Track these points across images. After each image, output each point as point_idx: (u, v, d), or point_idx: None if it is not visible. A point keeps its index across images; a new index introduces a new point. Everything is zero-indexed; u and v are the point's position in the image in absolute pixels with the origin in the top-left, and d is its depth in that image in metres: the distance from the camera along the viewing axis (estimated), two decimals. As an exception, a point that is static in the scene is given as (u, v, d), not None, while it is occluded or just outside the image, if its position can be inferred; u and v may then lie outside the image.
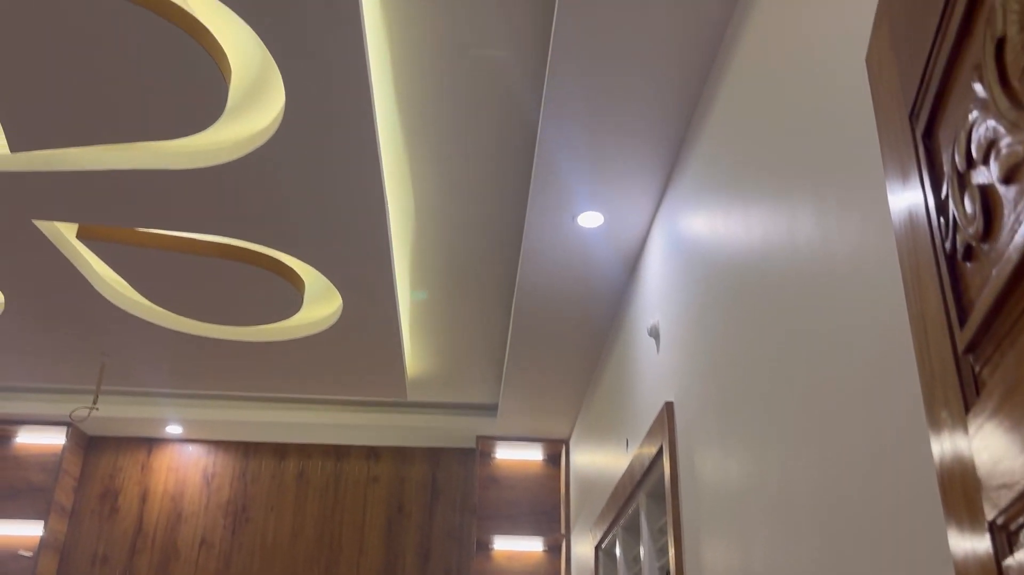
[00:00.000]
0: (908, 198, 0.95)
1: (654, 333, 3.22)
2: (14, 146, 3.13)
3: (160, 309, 4.54)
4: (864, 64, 1.37)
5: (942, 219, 0.85)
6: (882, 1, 1.11)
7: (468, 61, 2.91)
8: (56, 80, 2.82)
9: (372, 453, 6.15)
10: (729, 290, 2.33)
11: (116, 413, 5.65)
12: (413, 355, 5.17)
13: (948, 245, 0.84)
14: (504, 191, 3.64)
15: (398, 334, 4.57)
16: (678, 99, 2.69)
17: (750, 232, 2.17)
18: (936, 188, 0.88)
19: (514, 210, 3.75)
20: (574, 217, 3.37)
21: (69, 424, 5.69)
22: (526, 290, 3.91)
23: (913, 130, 0.94)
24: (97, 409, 5.29)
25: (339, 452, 6.14)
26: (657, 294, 3.25)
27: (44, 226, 3.73)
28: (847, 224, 1.57)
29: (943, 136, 0.86)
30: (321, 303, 4.57)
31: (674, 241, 3.02)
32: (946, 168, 0.85)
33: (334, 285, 4.12)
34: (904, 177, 0.96)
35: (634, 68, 2.57)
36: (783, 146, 1.93)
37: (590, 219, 3.38)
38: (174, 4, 2.64)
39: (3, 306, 4.43)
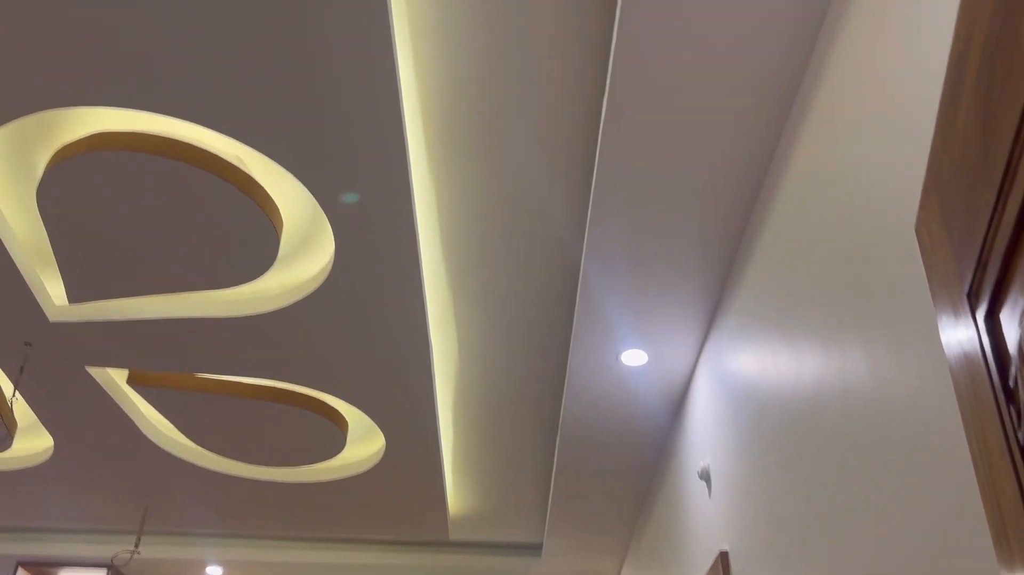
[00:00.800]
0: (971, 376, 0.93)
1: (705, 476, 3.13)
2: (72, 298, 3.24)
3: (205, 451, 4.55)
4: (914, 233, 1.38)
5: (1012, 408, 0.83)
6: (930, 173, 1.13)
7: (513, 206, 2.99)
8: (114, 235, 2.95)
9: (414, 595, 5.96)
10: (783, 432, 2.28)
11: (157, 554, 5.58)
12: (456, 494, 5.08)
13: (1016, 429, 0.82)
14: (547, 330, 3.65)
15: (440, 473, 4.51)
16: (721, 238, 2.71)
17: (800, 374, 2.14)
18: (1003, 373, 0.86)
19: (557, 349, 3.76)
20: (618, 356, 3.36)
21: (109, 566, 5.62)
22: (570, 428, 3.86)
23: (972, 310, 0.93)
24: (139, 552, 5.23)
25: (380, 594, 5.96)
26: (706, 435, 3.18)
27: (96, 372, 3.81)
28: (901, 371, 1.54)
29: (1006, 321, 0.85)
30: (364, 443, 4.55)
31: (721, 380, 2.99)
32: (1013, 354, 0.84)
33: (377, 425, 4.11)
34: (967, 357, 0.95)
35: (675, 208, 2.61)
36: (830, 289, 1.93)
37: (634, 358, 3.37)
38: (230, 163, 2.78)
39: (52, 450, 4.47)
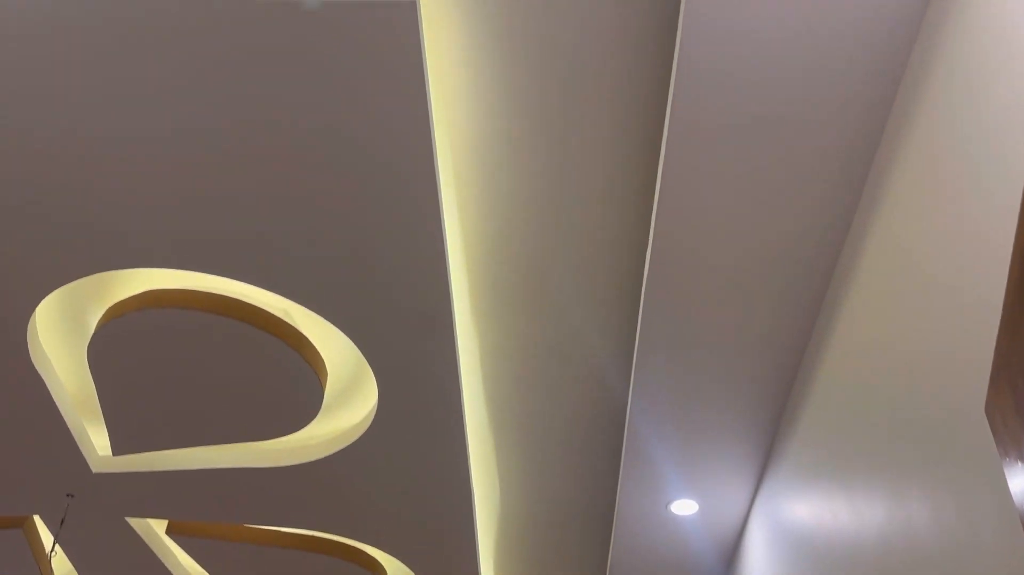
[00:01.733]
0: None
1: (764, 636, 2.95)
2: (117, 450, 3.24)
3: (241, 602, 4.42)
4: (983, 413, 1.33)
5: None
6: (999, 356, 1.10)
7: (557, 353, 2.97)
8: (161, 388, 2.97)
9: None
10: (847, 596, 2.15)
11: None
12: (498, 646, 4.84)
13: None
14: (593, 478, 3.56)
15: (483, 625, 4.31)
16: (772, 386, 2.66)
17: (861, 527, 2.03)
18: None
19: (604, 497, 3.65)
20: (667, 505, 3.24)
21: None
22: (619, 579, 3.70)
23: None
24: None
25: None
26: (763, 590, 3.02)
27: (136, 522, 3.77)
28: (970, 528, 1.45)
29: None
30: (404, 593, 4.39)
31: (775, 530, 2.86)
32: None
33: (418, 576, 3.98)
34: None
35: (723, 353, 2.57)
36: (891, 444, 1.85)
37: (684, 507, 3.25)
38: (277, 318, 2.82)
39: (87, 601, 4.37)
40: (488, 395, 3.17)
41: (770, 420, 2.80)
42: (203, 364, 2.87)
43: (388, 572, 4.17)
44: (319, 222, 2.33)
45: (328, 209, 2.29)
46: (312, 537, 3.91)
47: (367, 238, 2.37)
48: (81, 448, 3.25)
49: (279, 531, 3.91)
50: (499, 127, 2.35)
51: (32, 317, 2.70)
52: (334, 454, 3.21)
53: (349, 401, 3.19)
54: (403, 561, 3.85)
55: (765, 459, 2.98)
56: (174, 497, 3.49)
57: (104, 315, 2.81)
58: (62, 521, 3.48)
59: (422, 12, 2.00)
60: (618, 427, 3.30)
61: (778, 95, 1.88)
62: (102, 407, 3.07)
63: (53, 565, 3.82)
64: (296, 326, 2.86)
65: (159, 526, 3.92)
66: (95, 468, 3.36)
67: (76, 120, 2.11)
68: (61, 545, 3.82)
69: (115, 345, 2.83)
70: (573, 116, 2.30)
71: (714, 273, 2.28)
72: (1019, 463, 1.03)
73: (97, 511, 3.61)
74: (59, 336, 2.94)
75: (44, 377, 2.91)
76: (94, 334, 2.81)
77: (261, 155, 2.17)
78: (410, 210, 2.30)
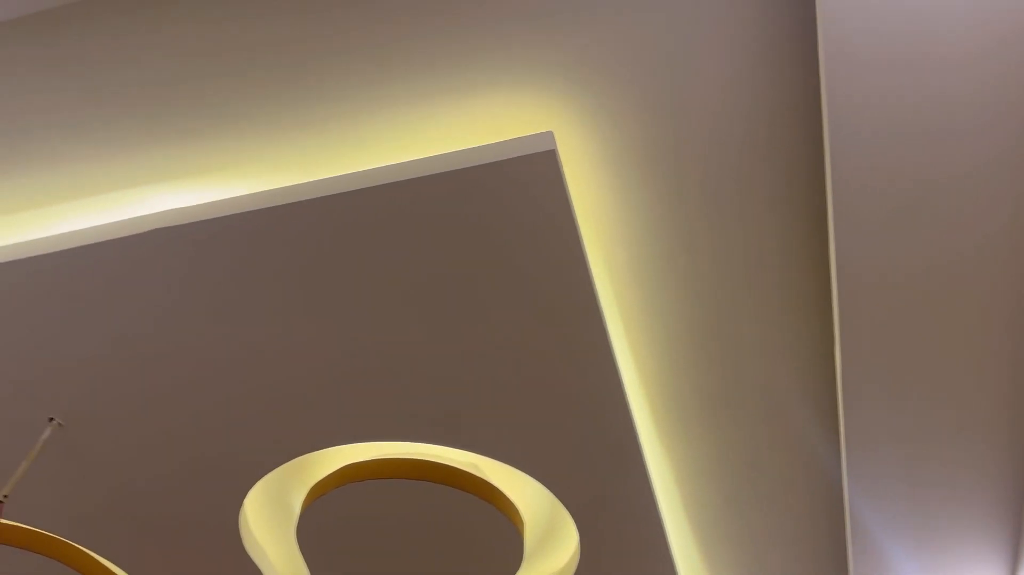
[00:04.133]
0: None
1: None
2: None
3: None
4: None
5: None
6: None
7: (755, 470, 2.82)
8: (368, 561, 3.02)
9: None
10: None
11: None
12: None
13: None
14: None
15: None
16: (1010, 475, 2.39)
17: None
18: None
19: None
20: (912, 613, 2.93)
21: None
22: None
23: None
24: None
25: None
26: None
27: None
28: None
29: None
30: None
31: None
32: None
33: None
34: None
35: (950, 444, 2.35)
36: None
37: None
38: (467, 473, 2.83)
39: None
40: (692, 519, 3.02)
41: (1015, 511, 2.52)
42: (404, 529, 2.90)
43: None
44: (501, 377, 2.37)
45: (507, 362, 2.33)
46: None
47: (544, 383, 2.38)
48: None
49: None
50: (653, 247, 2.35)
51: (243, 510, 2.84)
52: (544, 604, 3.12)
53: (550, 546, 3.12)
54: None
55: (1015, 553, 2.66)
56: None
57: (307, 496, 2.91)
58: None
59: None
60: (837, 528, 3.05)
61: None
62: (317, 587, 3.14)
63: None
64: (486, 478, 2.86)
65: None
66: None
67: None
68: None
69: (321, 523, 2.91)
70: (728, 217, 2.26)
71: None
72: None
73: None
74: (269, 525, 3.06)
75: (259, 564, 3.02)
76: (301, 516, 2.91)
77: (435, 322, 2.25)
78: (580, 348, 2.31)
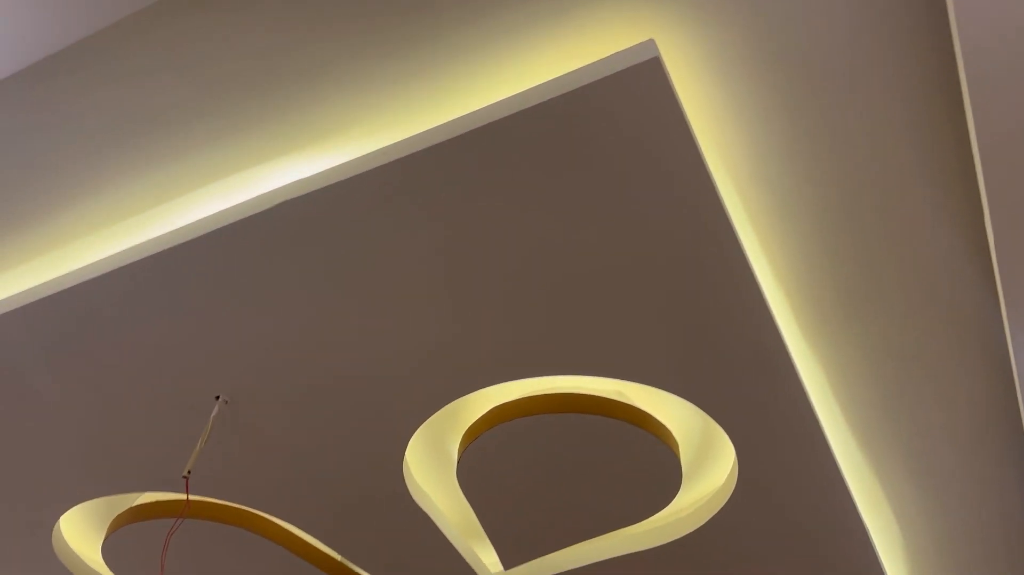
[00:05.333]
0: None
1: None
2: (507, 564, 3.40)
3: None
4: None
5: None
6: None
7: (905, 363, 2.70)
8: (528, 497, 3.09)
9: None
10: None
11: None
12: None
13: None
14: (1000, 486, 3.13)
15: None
16: None
17: None
18: None
19: (1011, 496, 3.18)
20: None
21: None
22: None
23: None
24: None
25: None
26: None
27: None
28: None
29: None
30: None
31: None
32: None
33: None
34: None
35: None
36: None
37: None
38: (614, 401, 2.84)
39: None
40: (850, 420, 2.93)
41: None
42: (560, 464, 2.95)
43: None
44: (635, 296, 2.35)
45: (638, 281, 2.31)
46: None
47: (679, 295, 2.34)
48: (475, 569, 3.44)
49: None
50: (771, 141, 2.26)
51: (404, 459, 2.95)
52: (705, 523, 3.12)
53: (706, 467, 3.11)
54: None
55: None
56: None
57: (461, 442, 3.00)
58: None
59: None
60: (1006, 387, 2.87)
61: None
62: (483, 526, 3.25)
63: None
64: (634, 404, 2.86)
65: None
66: (493, 585, 3.54)
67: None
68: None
69: (479, 467, 3.00)
70: (848, 99, 2.14)
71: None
72: None
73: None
74: (431, 472, 3.18)
75: (428, 512, 3.15)
76: (459, 461, 3.00)
77: (584, 251, 2.26)
78: (712, 257, 2.25)
